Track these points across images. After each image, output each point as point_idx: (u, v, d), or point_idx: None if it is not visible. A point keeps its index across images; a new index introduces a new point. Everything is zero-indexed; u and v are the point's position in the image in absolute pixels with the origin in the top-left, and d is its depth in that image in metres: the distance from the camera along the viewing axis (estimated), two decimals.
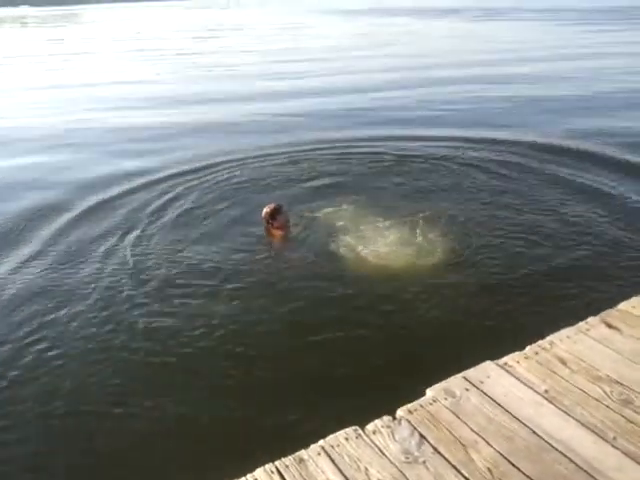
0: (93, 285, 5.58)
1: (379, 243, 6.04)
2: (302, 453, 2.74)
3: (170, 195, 7.94)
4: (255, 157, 9.53)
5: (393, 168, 8.72)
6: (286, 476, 2.61)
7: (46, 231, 6.92)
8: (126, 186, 8.38)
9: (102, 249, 6.38)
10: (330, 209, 7.16)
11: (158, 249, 6.31)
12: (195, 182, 8.42)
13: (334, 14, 57.66)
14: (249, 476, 2.62)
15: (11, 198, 8.17)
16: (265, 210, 6.64)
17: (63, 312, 5.14)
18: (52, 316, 5.07)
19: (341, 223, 6.67)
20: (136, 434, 3.75)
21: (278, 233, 6.62)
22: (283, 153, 9.74)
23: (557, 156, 8.89)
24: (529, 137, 9.95)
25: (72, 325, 4.95)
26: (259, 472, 2.63)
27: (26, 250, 6.41)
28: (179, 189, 8.14)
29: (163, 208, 7.50)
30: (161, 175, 8.80)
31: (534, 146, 9.39)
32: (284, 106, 13.96)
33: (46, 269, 5.97)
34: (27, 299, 5.38)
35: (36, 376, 4.32)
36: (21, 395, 4.14)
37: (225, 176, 8.64)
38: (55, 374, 4.34)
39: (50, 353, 4.56)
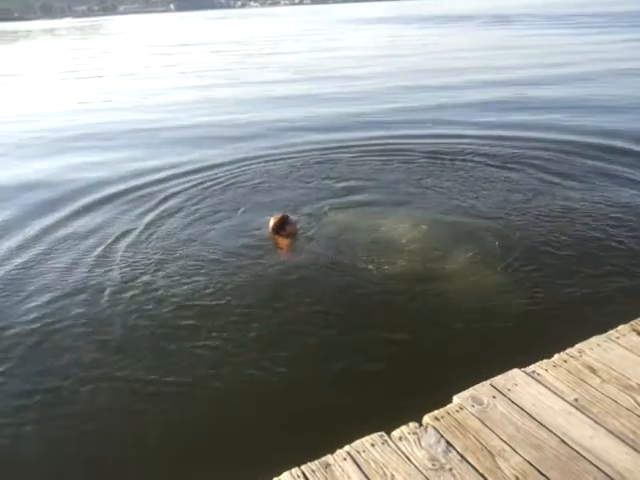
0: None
1: (398, 248, 6.02)
2: (328, 458, 2.74)
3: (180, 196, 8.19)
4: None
5: (418, 170, 8.79)
6: None
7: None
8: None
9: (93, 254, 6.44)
10: (345, 214, 7.15)
11: (157, 256, 6.26)
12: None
13: (353, 23, 57.87)
14: (275, 479, 2.63)
15: None
16: (272, 221, 6.46)
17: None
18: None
19: (356, 228, 6.63)
20: (162, 434, 3.78)
21: (285, 243, 6.43)
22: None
23: (600, 151, 9.13)
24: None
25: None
26: (285, 476, 2.64)
27: None
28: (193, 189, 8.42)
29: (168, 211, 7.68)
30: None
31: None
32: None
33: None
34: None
35: None
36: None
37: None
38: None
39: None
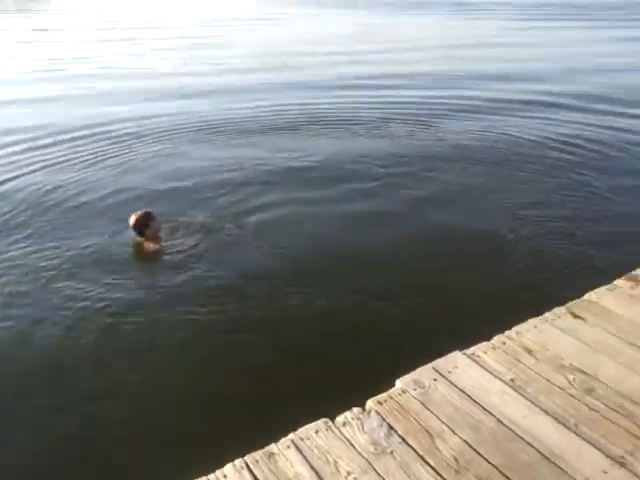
0: None
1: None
2: (272, 447, 2.75)
3: None
4: None
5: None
6: (255, 471, 2.61)
7: None
8: None
9: None
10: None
11: None
12: None
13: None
14: (218, 472, 2.62)
15: None
16: (133, 218, 5.62)
17: None
18: None
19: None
20: (106, 434, 3.68)
21: (151, 247, 5.66)
22: None
23: None
24: None
25: None
26: (228, 468, 2.63)
27: None
28: None
29: None
30: None
31: None
32: None
33: None
34: None
35: None
36: None
37: None
38: None
39: None
